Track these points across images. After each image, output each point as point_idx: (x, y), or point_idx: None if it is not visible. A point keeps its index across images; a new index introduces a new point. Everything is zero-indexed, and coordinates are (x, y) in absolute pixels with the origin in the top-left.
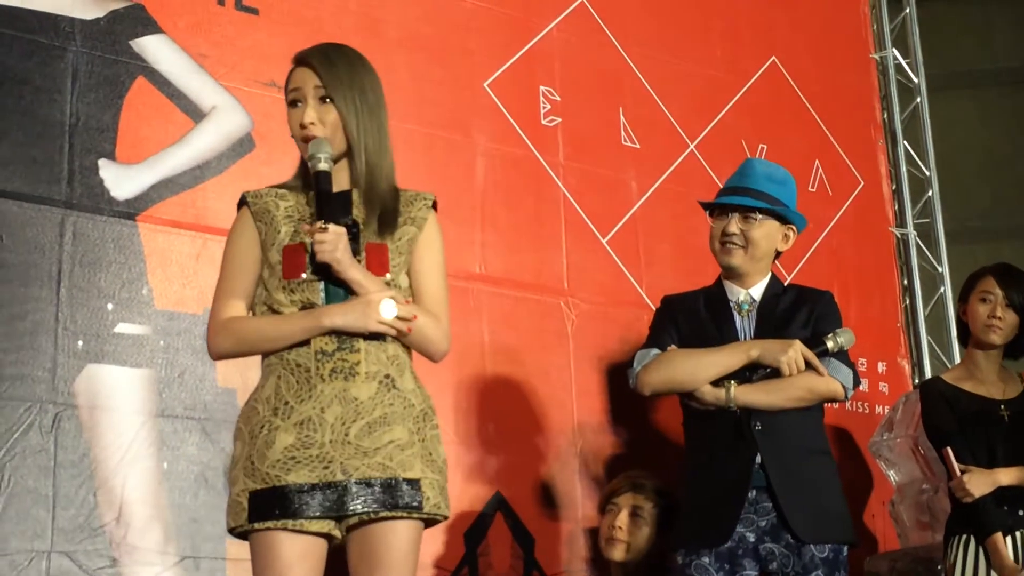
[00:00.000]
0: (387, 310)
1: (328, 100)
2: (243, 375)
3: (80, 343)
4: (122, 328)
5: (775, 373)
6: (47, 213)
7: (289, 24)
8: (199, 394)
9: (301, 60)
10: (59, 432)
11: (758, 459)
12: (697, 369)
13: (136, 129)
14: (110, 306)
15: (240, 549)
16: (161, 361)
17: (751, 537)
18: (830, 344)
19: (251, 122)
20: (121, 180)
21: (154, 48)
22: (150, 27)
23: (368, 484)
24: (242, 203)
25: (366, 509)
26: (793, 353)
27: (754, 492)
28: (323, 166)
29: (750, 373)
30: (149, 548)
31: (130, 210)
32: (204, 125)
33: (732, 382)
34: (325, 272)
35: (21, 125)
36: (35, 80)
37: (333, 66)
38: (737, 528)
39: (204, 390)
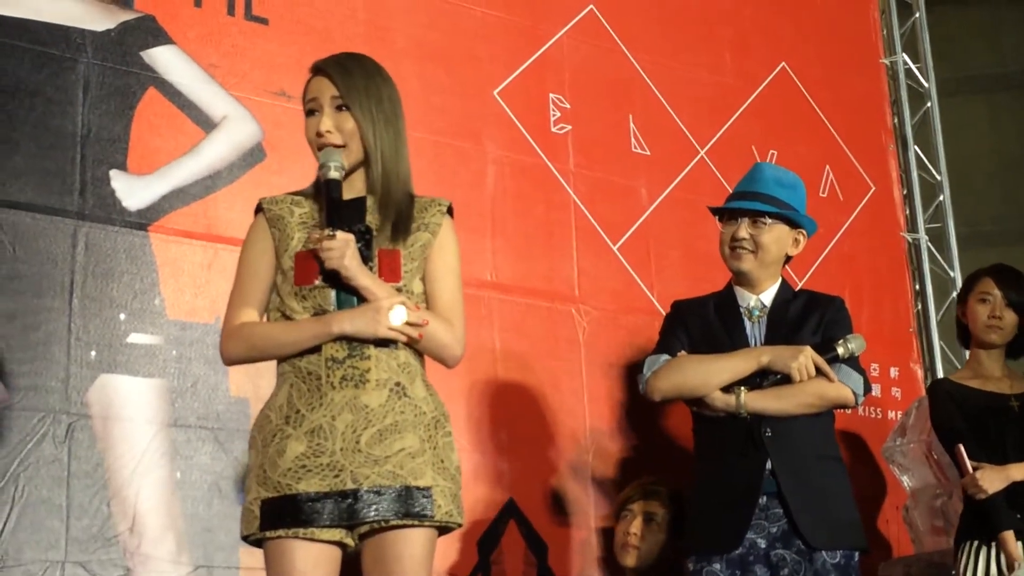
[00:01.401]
0: (396, 316)
1: (345, 109)
2: (255, 384)
3: (93, 353)
4: (134, 338)
5: (785, 379)
6: (59, 224)
7: (299, 34)
8: (212, 404)
9: (318, 69)
10: (72, 442)
11: (769, 465)
12: (707, 375)
13: (147, 140)
14: (122, 316)
15: (253, 558)
16: (174, 371)
17: (762, 543)
18: (841, 350)
19: (262, 132)
20: (133, 191)
21: (165, 59)
22: (160, 38)
23: (379, 492)
24: (258, 210)
25: (377, 517)
26: (803, 359)
27: (765, 498)
28: (333, 175)
29: (760, 379)
30: (163, 557)
31: (142, 220)
32: (215, 135)
33: (742, 388)
34: (336, 279)
35: (33, 136)
36: (47, 92)
37: (350, 75)
38: (748, 534)
39: (217, 400)
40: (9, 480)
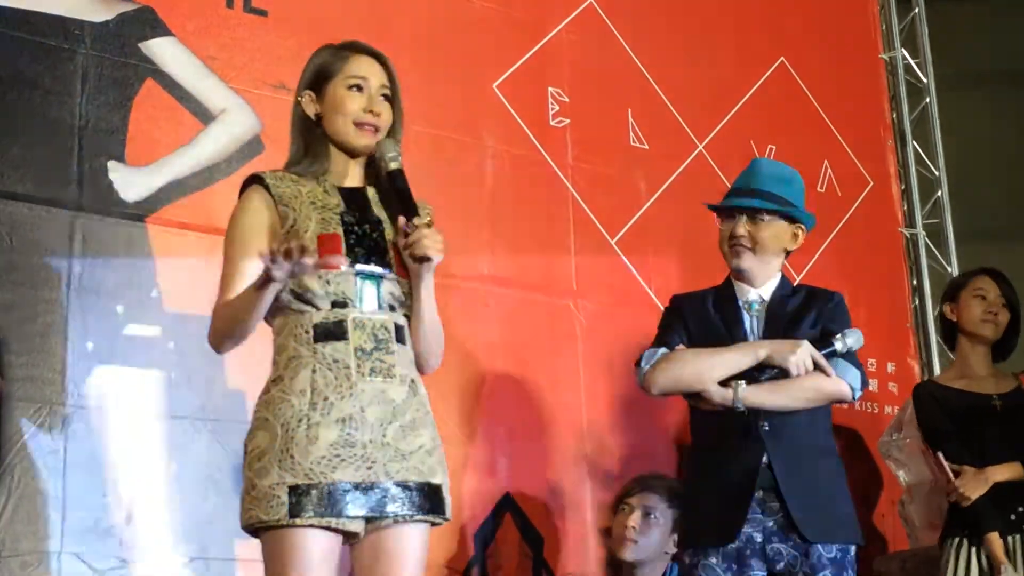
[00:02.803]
0: None
1: (388, 101)
2: (252, 376)
3: (90, 344)
4: (132, 330)
5: (783, 373)
6: (57, 215)
7: (298, 26)
8: (209, 395)
9: (370, 52)
10: (69, 433)
11: (765, 459)
12: (705, 369)
13: (145, 131)
14: (120, 308)
15: (249, 550)
16: (170, 362)
17: (758, 537)
18: (838, 345)
19: (260, 124)
20: (130, 182)
21: (163, 50)
22: (159, 29)
23: (407, 487)
24: (254, 182)
25: (404, 512)
26: (801, 353)
27: (761, 492)
28: (395, 165)
29: (758, 373)
30: (159, 549)
31: (139, 212)
32: (213, 127)
33: (740, 382)
34: (365, 262)
35: (31, 128)
36: (45, 83)
37: (394, 70)
38: (744, 528)
39: (214, 391)
40: (6, 471)
